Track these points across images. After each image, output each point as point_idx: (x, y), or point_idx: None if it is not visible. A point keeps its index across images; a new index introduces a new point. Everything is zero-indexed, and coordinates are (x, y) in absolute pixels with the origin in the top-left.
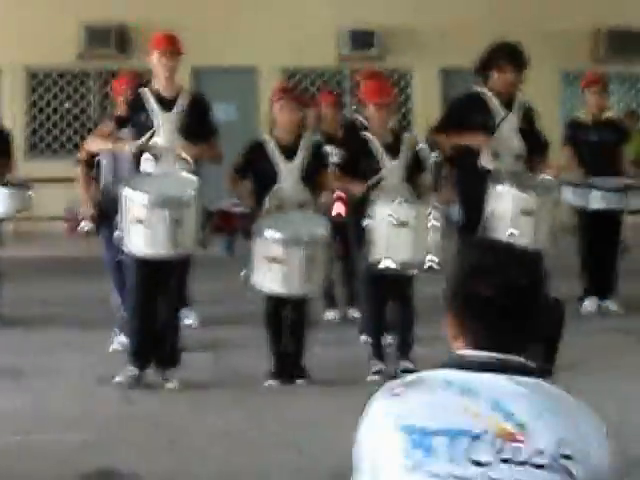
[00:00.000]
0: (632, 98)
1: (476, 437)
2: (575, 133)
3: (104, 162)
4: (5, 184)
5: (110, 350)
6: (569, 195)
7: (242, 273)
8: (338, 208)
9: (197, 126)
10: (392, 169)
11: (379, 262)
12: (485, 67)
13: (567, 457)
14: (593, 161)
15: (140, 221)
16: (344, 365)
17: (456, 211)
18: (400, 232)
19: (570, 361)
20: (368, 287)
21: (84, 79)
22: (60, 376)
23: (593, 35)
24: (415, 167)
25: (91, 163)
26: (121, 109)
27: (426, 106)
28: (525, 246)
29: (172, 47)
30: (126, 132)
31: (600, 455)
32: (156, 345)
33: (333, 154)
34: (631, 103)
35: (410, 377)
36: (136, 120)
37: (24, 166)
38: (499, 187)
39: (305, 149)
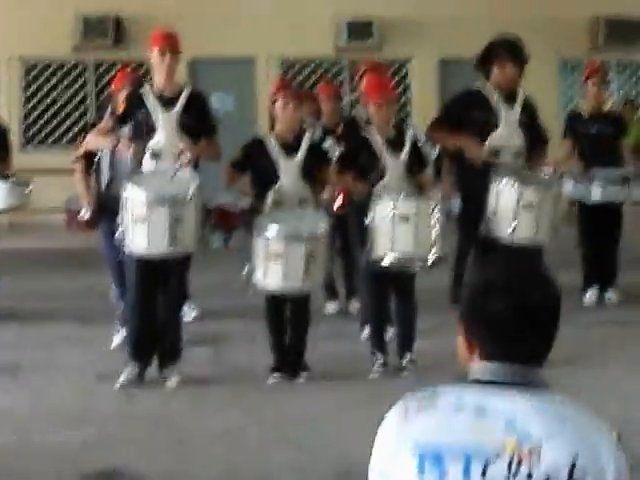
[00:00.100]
0: (631, 86)
1: (491, 458)
2: (575, 125)
3: (104, 159)
4: (4, 178)
5: (112, 347)
6: (569, 188)
7: (244, 270)
8: (339, 202)
9: (197, 124)
10: (394, 165)
11: (381, 258)
12: (485, 62)
13: (582, 476)
14: (593, 153)
15: (140, 219)
16: (344, 359)
17: (456, 205)
18: (401, 227)
19: (570, 355)
20: (369, 282)
21: (80, 70)
22: (59, 372)
23: (591, 23)
24: (416, 163)
25: (90, 159)
26: (121, 106)
27: (424, 96)
28: (527, 240)
29: (171, 45)
30: (126, 130)
31: (614, 470)
32: (156, 343)
33: (333, 148)
34: (630, 91)
35: (423, 395)
36: (136, 118)
37: (20, 158)
38: (500, 182)
39: (306, 146)
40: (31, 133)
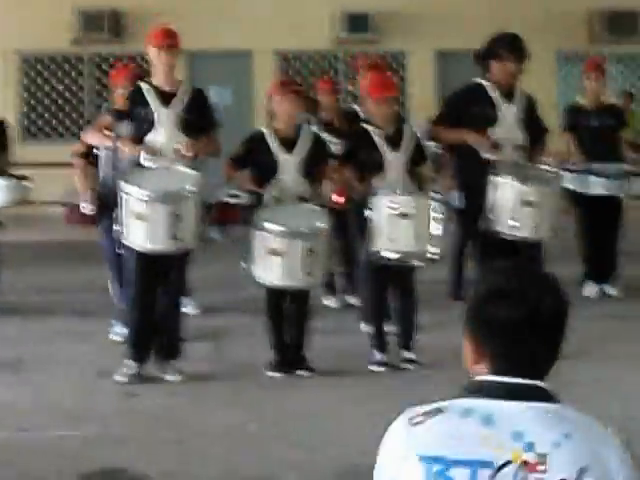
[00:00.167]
0: (628, 79)
1: (498, 469)
2: (576, 118)
3: (103, 155)
4: (4, 174)
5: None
6: (569, 181)
7: (243, 266)
8: (338, 196)
9: (197, 120)
10: (394, 161)
11: (380, 253)
12: (485, 57)
13: None
14: (593, 146)
15: (140, 216)
16: (344, 354)
17: (455, 198)
18: (401, 223)
19: (570, 349)
20: (369, 278)
21: (78, 64)
22: (60, 367)
23: (589, 16)
24: (416, 158)
25: (89, 154)
26: (119, 101)
27: (421, 89)
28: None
29: (170, 42)
30: (125, 126)
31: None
32: (155, 337)
33: (332, 143)
34: (626, 84)
35: (430, 406)
36: (136, 114)
37: (18, 151)
38: (500, 178)
39: (305, 141)
40: (28, 126)
